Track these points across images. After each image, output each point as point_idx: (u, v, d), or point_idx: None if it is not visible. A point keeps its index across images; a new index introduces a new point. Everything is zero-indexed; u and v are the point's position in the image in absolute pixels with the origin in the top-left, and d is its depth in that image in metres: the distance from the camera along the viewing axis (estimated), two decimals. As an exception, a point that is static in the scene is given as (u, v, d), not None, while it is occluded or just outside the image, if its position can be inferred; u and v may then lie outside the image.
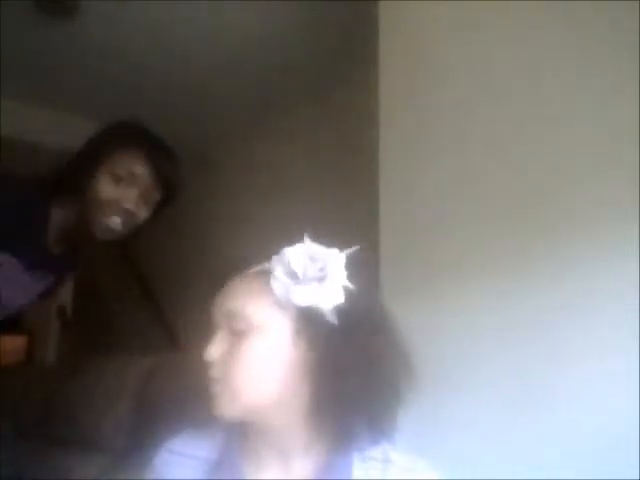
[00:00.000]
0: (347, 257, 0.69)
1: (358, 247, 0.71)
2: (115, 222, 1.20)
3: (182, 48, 2.47)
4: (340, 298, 0.67)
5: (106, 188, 1.19)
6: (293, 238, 0.70)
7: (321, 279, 0.67)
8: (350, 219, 2.23)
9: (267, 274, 0.69)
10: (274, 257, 0.70)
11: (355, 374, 0.66)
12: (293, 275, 0.67)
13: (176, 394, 1.92)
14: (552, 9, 1.18)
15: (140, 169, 1.21)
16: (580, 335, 1.05)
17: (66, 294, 3.60)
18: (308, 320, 0.67)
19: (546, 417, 1.08)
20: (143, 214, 1.25)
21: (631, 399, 0.97)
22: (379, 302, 0.75)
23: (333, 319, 0.66)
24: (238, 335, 0.68)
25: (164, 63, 2.59)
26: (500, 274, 1.19)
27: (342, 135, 2.60)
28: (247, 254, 0.75)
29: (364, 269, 0.73)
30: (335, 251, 0.69)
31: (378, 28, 1.53)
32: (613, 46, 1.10)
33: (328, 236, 0.72)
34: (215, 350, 0.69)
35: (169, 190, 1.28)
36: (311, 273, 0.67)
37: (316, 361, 0.67)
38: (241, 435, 0.73)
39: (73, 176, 1.23)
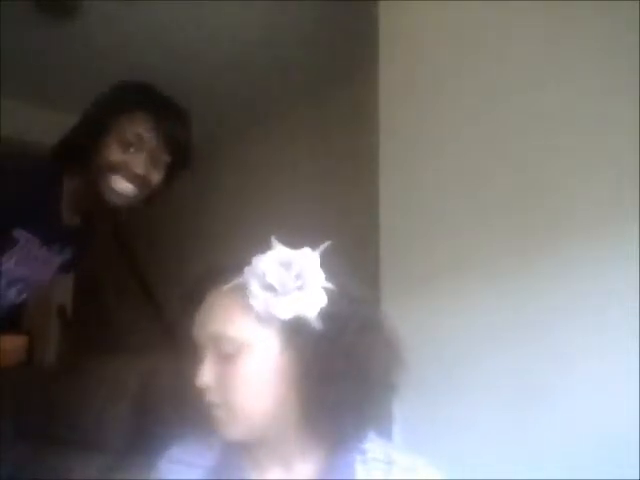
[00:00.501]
0: (322, 255, 0.67)
1: (329, 242, 0.68)
2: (125, 186, 1.17)
3: (182, 48, 2.47)
4: (323, 301, 0.65)
5: (114, 153, 1.17)
6: (287, 241, 0.67)
7: (300, 287, 0.64)
8: (350, 220, 2.23)
9: (243, 288, 0.66)
10: (246, 269, 0.66)
11: (344, 376, 0.65)
12: (270, 288, 0.64)
13: (177, 394, 1.92)
14: (552, 9, 1.18)
15: (147, 131, 1.18)
16: (580, 335, 1.05)
17: (66, 293, 3.60)
18: (294, 330, 0.66)
19: (546, 417, 1.08)
20: (155, 178, 1.21)
21: (631, 399, 0.97)
22: (365, 299, 0.73)
23: (318, 325, 0.65)
24: (228, 358, 0.67)
25: (164, 63, 2.58)
26: (500, 274, 1.19)
27: (342, 135, 2.60)
28: (220, 266, 0.73)
29: (343, 267, 0.70)
30: (307, 251, 0.67)
31: (378, 28, 1.53)
32: (613, 46, 1.10)
33: (328, 237, 0.71)
34: (207, 376, 0.67)
35: (178, 151, 1.23)
36: (289, 283, 0.64)
37: (304, 368, 0.66)
38: (241, 444, 0.73)
39: (81, 144, 1.21)
